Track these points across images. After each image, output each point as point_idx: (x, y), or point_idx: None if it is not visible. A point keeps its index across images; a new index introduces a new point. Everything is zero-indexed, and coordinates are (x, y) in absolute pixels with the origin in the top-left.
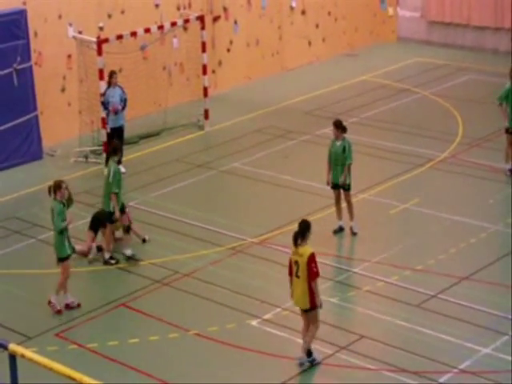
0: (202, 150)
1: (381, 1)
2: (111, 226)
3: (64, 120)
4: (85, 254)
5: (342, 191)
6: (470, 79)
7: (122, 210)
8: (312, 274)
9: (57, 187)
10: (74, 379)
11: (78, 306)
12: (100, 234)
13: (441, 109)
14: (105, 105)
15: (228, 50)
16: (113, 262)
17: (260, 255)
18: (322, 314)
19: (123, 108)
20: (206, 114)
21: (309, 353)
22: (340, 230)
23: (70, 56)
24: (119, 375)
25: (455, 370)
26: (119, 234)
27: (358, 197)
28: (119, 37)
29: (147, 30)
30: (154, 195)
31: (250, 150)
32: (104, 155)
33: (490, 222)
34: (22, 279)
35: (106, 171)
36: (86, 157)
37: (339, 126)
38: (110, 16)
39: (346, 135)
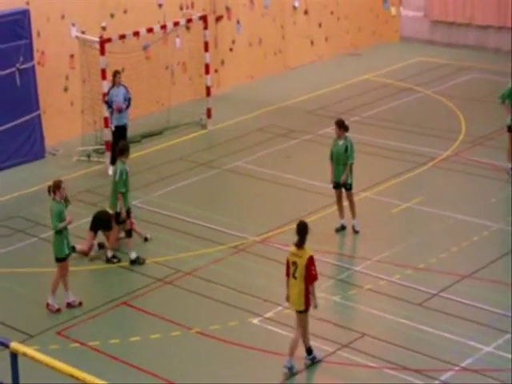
0: (205, 148)
1: (383, 0)
2: (118, 227)
3: (66, 119)
4: (85, 253)
5: (343, 190)
6: (473, 78)
7: (128, 214)
8: (311, 276)
9: (56, 187)
10: (75, 378)
11: (80, 304)
12: (100, 233)
13: (443, 108)
14: (108, 104)
15: (231, 50)
16: (115, 260)
17: (262, 254)
18: (323, 312)
19: (127, 107)
20: (209, 113)
21: (309, 351)
22: (342, 228)
23: (72, 56)
24: (121, 373)
25: (457, 368)
26: (121, 234)
27: (361, 195)
28: (122, 36)
29: (150, 30)
30: (156, 194)
31: (252, 148)
32: (106, 154)
33: (492, 221)
34: (24, 278)
35: (112, 171)
36: (89, 156)
37: (341, 126)
38: (112, 16)
39: (348, 134)
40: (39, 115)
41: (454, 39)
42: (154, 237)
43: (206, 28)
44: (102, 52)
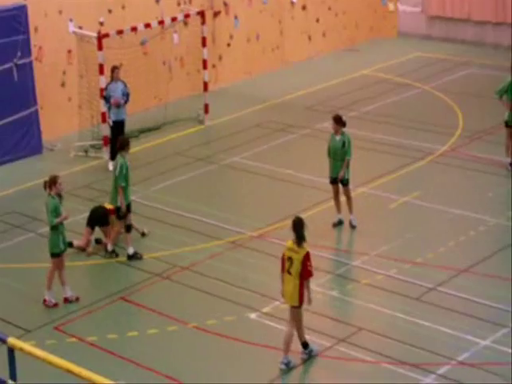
0: (203, 144)
1: None
2: (120, 221)
3: (64, 115)
4: (83, 249)
5: (340, 185)
6: (471, 73)
7: (128, 209)
8: (307, 273)
9: (52, 182)
10: (72, 373)
11: (77, 299)
12: (98, 228)
13: (441, 103)
14: (106, 99)
15: (228, 45)
16: (114, 255)
17: (259, 249)
18: (321, 306)
19: (126, 102)
20: (206, 109)
21: (305, 345)
22: (339, 223)
23: (70, 51)
24: (118, 368)
25: (454, 362)
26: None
27: (358, 190)
28: (120, 32)
29: (148, 25)
30: (154, 189)
31: (250, 144)
32: (104, 149)
33: (489, 216)
34: (21, 273)
35: (112, 166)
36: (86, 151)
37: (339, 121)
38: (110, 11)
39: (346, 129)
40: (37, 110)
41: (451, 34)
42: (152, 232)
43: (203, 23)
44: (100, 47)
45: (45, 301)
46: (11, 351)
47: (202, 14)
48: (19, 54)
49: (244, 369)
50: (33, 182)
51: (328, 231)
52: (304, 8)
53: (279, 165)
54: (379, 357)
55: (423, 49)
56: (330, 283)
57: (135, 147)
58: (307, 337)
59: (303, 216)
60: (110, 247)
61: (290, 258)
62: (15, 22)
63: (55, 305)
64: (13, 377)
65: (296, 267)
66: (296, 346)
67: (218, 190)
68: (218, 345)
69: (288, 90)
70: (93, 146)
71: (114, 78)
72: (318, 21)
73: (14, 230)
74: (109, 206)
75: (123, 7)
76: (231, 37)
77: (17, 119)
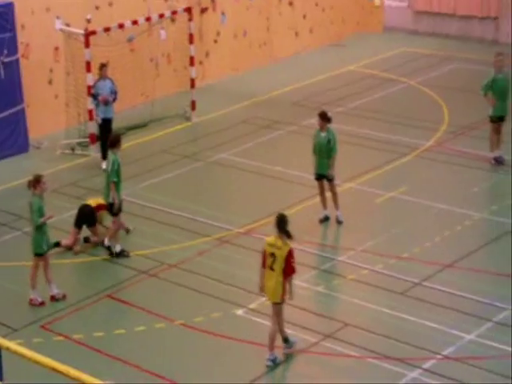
0: (190, 141)
1: None
2: (117, 218)
3: (51, 112)
4: (70, 248)
5: (325, 182)
6: (457, 68)
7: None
8: (290, 269)
9: (36, 181)
10: (59, 372)
11: (64, 297)
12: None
13: (427, 98)
14: (94, 96)
15: (215, 41)
16: (108, 252)
17: (247, 245)
18: (306, 302)
19: (114, 100)
20: (193, 105)
21: (286, 340)
22: (325, 219)
23: (57, 48)
24: (105, 366)
25: (439, 357)
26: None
27: (344, 186)
28: (107, 29)
29: (135, 22)
30: (141, 186)
31: (237, 140)
32: (91, 147)
33: (474, 210)
34: (7, 271)
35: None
36: (73, 149)
37: (324, 117)
38: (97, 8)
39: (332, 125)
40: (23, 108)
41: (437, 29)
42: (139, 229)
43: (190, 20)
44: (87, 44)
45: (31, 300)
46: None
47: (189, 10)
48: (6, 51)
49: (231, 365)
50: (19, 181)
51: (314, 227)
52: (291, 4)
53: (266, 161)
54: (364, 352)
55: (409, 44)
56: (315, 279)
57: (122, 144)
58: (292, 332)
59: (290, 212)
60: (117, 247)
61: (272, 254)
62: (2, 20)
63: (41, 303)
64: None
65: (279, 263)
66: (279, 341)
67: (205, 186)
68: (205, 342)
69: (275, 86)
70: (79, 144)
71: (102, 75)
72: (304, 17)
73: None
74: (94, 203)
75: (110, 4)
76: (218, 33)
77: (3, 117)
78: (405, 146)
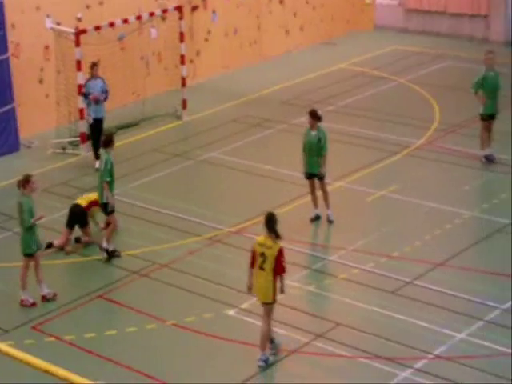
0: (180, 139)
1: None
2: (112, 216)
3: (41, 111)
4: (61, 248)
5: (316, 180)
6: (447, 66)
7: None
8: (281, 268)
9: (25, 181)
10: (50, 373)
11: (55, 296)
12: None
13: (418, 96)
14: (86, 96)
15: (206, 40)
16: (105, 255)
17: (238, 245)
18: (298, 302)
19: (105, 99)
20: (184, 104)
21: (271, 341)
22: (316, 218)
23: (47, 47)
24: (96, 367)
25: (430, 356)
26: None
27: (335, 185)
28: (97, 28)
29: (125, 21)
30: (132, 185)
31: (227, 139)
32: (81, 146)
33: (465, 209)
34: None
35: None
36: (64, 148)
37: (314, 116)
38: (88, 7)
39: (323, 123)
40: (14, 107)
41: (428, 27)
42: (130, 228)
43: (181, 18)
44: (77, 43)
45: (22, 301)
46: None
47: (179, 8)
48: None
49: (223, 366)
50: (10, 181)
51: (305, 226)
52: (281, 2)
53: (256, 160)
54: (356, 351)
55: (400, 42)
56: (306, 278)
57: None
58: (284, 332)
59: (281, 211)
60: (111, 246)
61: (262, 254)
62: None
63: (33, 304)
64: None
65: (269, 263)
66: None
67: (195, 185)
68: (197, 342)
69: (265, 85)
70: (70, 143)
71: (93, 74)
72: (295, 15)
73: None
74: (85, 202)
75: (101, 3)
76: (209, 32)
77: None
78: (395, 145)
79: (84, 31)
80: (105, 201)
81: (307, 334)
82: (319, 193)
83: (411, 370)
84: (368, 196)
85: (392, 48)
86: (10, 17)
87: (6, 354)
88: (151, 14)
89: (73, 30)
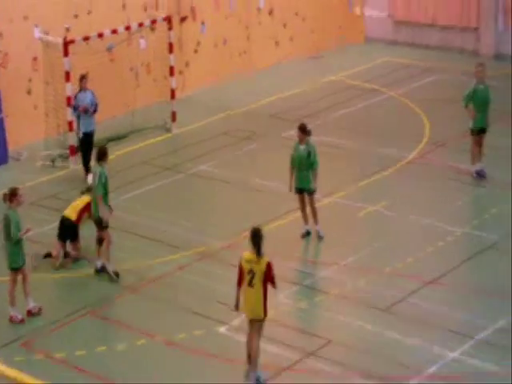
0: (170, 152)
1: (348, 1)
2: (106, 233)
3: (30, 123)
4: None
5: (306, 195)
6: (437, 79)
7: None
8: (273, 279)
9: (12, 194)
10: None
11: (40, 310)
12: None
13: (408, 109)
14: (75, 108)
15: (195, 51)
16: (115, 278)
17: (228, 260)
18: (289, 319)
19: (94, 111)
20: (174, 117)
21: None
22: (307, 234)
23: (35, 58)
24: None
25: (423, 375)
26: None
27: (326, 200)
28: (86, 38)
29: (114, 31)
30: (122, 199)
31: (217, 152)
32: (71, 159)
33: (457, 225)
34: None
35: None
36: (53, 161)
37: (304, 130)
38: (76, 17)
39: (313, 137)
40: (2, 119)
41: (418, 40)
42: (119, 243)
43: (170, 29)
44: (66, 53)
45: (11, 317)
46: None
47: (168, 19)
48: None
49: (212, 382)
50: None
51: (296, 242)
52: (271, 13)
53: (246, 173)
54: (348, 369)
55: (390, 54)
56: (298, 294)
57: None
58: (275, 349)
59: (271, 226)
60: (110, 267)
61: (250, 271)
62: None
63: (21, 321)
64: None
65: (258, 278)
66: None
67: (185, 199)
68: (188, 359)
69: (255, 97)
70: (60, 156)
71: (82, 87)
72: (285, 26)
73: None
74: (74, 215)
75: (89, 13)
76: (198, 43)
77: None
78: (386, 159)
79: (72, 41)
80: (100, 215)
81: (299, 351)
82: (308, 209)
83: None
84: (359, 211)
85: (382, 60)
86: None
87: None
88: (140, 25)
89: (61, 40)
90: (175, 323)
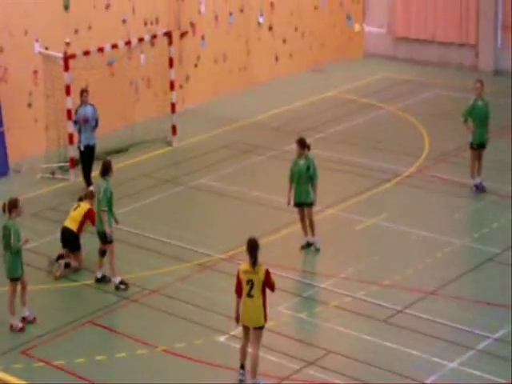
0: (170, 165)
1: (347, 17)
2: (111, 246)
3: (30, 136)
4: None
5: (305, 208)
6: (436, 94)
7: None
8: (273, 286)
9: (13, 205)
10: None
11: (34, 319)
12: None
13: (407, 124)
14: (76, 122)
15: (195, 66)
16: (122, 287)
17: (228, 271)
18: (289, 329)
19: (96, 126)
20: (174, 130)
21: (243, 366)
22: (307, 245)
23: (36, 72)
24: None
25: None
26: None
27: (326, 212)
28: (86, 53)
29: (114, 46)
30: (122, 211)
31: (217, 165)
32: (70, 171)
33: (455, 237)
34: None
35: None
36: (53, 173)
37: (303, 145)
38: (76, 31)
39: (313, 151)
40: (2, 132)
41: (416, 56)
42: (120, 254)
43: (170, 44)
44: (66, 68)
45: (11, 326)
46: None
47: (168, 34)
48: None
49: None
50: None
51: (295, 253)
52: (270, 29)
53: (246, 186)
54: (347, 379)
55: (389, 70)
56: (298, 305)
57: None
58: (275, 359)
59: (271, 238)
60: (116, 279)
61: (249, 281)
62: None
63: (21, 329)
64: None
65: (258, 287)
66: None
67: (186, 212)
68: (187, 368)
69: (255, 111)
70: (60, 168)
71: (82, 101)
72: (284, 41)
73: None
74: (74, 225)
75: (90, 28)
76: (198, 57)
77: None
78: (385, 173)
79: (73, 56)
80: (105, 229)
81: (298, 361)
82: (307, 221)
83: None
84: (358, 224)
85: (381, 76)
86: None
87: None
88: (140, 40)
89: (61, 55)
90: (175, 332)
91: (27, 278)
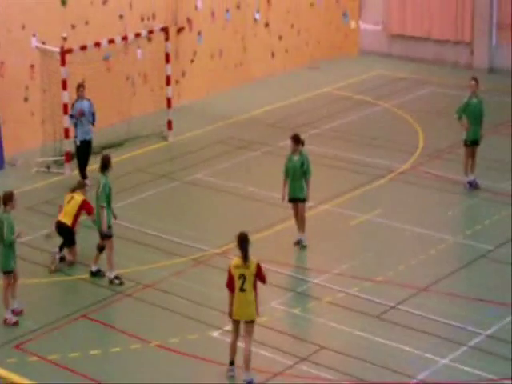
0: (166, 160)
1: (343, 14)
2: (110, 241)
3: (27, 130)
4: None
5: (299, 204)
6: (431, 92)
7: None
8: (265, 278)
9: (8, 198)
10: None
11: (21, 312)
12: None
13: (402, 121)
14: (72, 117)
15: (192, 61)
16: (117, 282)
17: (222, 266)
18: (282, 324)
19: (92, 121)
20: (170, 125)
21: (232, 362)
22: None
23: (32, 66)
24: None
25: (414, 381)
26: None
27: (319, 208)
28: (83, 47)
29: (111, 41)
30: (117, 206)
31: (213, 160)
32: (66, 165)
33: (449, 234)
34: None
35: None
36: (48, 167)
37: (298, 141)
38: (73, 26)
39: (307, 147)
40: None
41: (412, 53)
42: (115, 248)
43: (167, 39)
44: (63, 63)
45: (5, 320)
46: None
47: (165, 30)
48: None
49: None
50: None
51: (289, 249)
52: (267, 25)
53: (241, 182)
54: (340, 375)
55: (384, 67)
56: (291, 301)
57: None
58: (268, 354)
59: (265, 234)
60: (111, 274)
61: (241, 276)
62: None
63: (15, 323)
64: None
65: (250, 281)
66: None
67: (181, 207)
68: (181, 363)
69: (251, 107)
70: (55, 162)
71: (79, 96)
72: (280, 38)
73: None
74: (69, 219)
75: (87, 23)
76: (195, 53)
77: None
78: (379, 169)
79: (69, 51)
80: (102, 228)
81: (291, 356)
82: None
83: None
84: (352, 220)
85: (376, 73)
86: None
87: None
88: (137, 35)
89: (58, 50)
90: (169, 327)
91: (21, 272)
